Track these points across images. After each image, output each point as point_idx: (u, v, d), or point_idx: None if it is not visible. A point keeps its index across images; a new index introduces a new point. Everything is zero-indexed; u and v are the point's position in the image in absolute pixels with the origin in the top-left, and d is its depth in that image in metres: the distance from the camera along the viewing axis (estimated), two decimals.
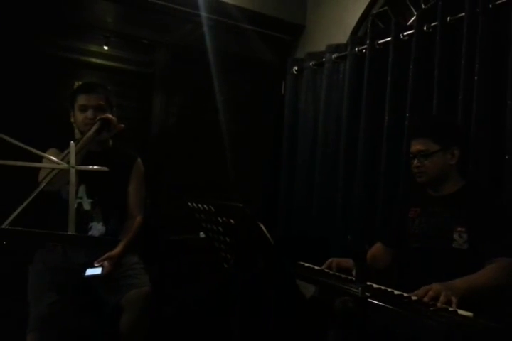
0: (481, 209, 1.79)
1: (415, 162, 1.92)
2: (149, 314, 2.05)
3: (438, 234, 1.85)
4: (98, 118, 2.02)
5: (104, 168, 1.55)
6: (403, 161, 2.48)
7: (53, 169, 1.53)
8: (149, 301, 2.05)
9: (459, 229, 1.78)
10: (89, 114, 2.11)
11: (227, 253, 1.61)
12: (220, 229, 1.59)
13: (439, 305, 1.43)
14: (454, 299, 1.44)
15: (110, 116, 2.06)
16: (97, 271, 2.01)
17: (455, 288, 1.53)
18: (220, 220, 1.56)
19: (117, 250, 2.11)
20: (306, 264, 1.94)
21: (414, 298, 1.50)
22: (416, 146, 1.92)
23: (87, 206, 2.17)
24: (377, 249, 2.12)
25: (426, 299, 1.47)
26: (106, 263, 2.05)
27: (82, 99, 2.14)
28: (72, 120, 2.21)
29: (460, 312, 1.37)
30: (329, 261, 1.96)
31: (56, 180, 1.70)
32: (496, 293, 1.67)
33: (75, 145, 1.56)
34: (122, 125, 2.12)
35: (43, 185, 1.45)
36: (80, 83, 2.71)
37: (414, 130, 2.08)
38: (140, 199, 2.31)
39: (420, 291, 1.51)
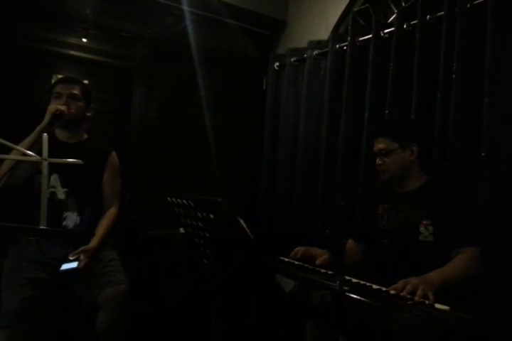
0: (446, 201, 1.86)
1: (377, 160, 2.02)
2: (126, 312, 2.04)
3: (405, 228, 1.93)
4: (54, 112, 2.04)
5: (79, 161, 1.54)
6: None
7: (19, 161, 1.51)
8: (126, 299, 2.04)
9: (425, 222, 1.86)
10: (63, 100, 2.16)
11: (206, 248, 1.61)
12: (200, 224, 1.59)
13: (416, 298, 1.45)
14: (430, 294, 1.46)
15: (61, 107, 2.08)
16: (73, 264, 1.98)
17: (431, 281, 1.57)
18: (200, 215, 1.56)
19: (93, 243, 2.10)
20: (286, 259, 1.95)
21: (392, 292, 1.52)
22: (377, 146, 2.02)
23: (61, 195, 2.16)
24: (348, 244, 2.19)
25: (404, 293, 1.49)
26: (82, 256, 2.03)
27: (57, 88, 2.22)
28: None
29: (437, 305, 1.39)
30: (296, 249, 2.01)
31: (19, 173, 1.70)
32: (467, 282, 1.73)
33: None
34: (74, 107, 2.17)
35: (4, 179, 1.43)
36: (59, 76, 2.72)
37: (374, 130, 2.19)
38: (115, 191, 2.32)
39: (398, 285, 1.53)
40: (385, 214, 2.04)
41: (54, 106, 2.09)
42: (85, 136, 2.34)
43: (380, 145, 2.01)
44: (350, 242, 2.20)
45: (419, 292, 1.48)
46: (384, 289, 1.55)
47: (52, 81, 2.87)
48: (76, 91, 2.21)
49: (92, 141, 2.36)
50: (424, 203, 1.91)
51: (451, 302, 1.39)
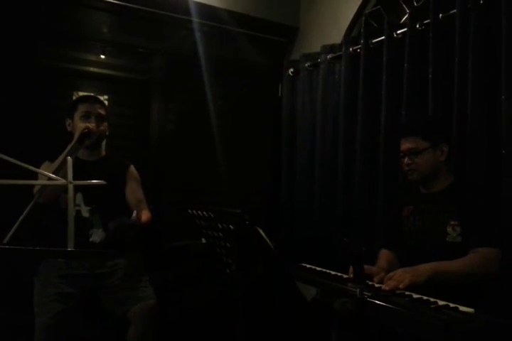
0: (471, 202, 1.82)
1: (406, 160, 1.95)
2: (155, 326, 2.07)
3: (431, 228, 1.89)
4: (83, 130, 2.08)
5: (102, 182, 1.55)
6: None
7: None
8: (155, 314, 2.08)
9: (452, 222, 1.82)
10: (92, 120, 2.18)
11: (228, 258, 1.63)
12: (221, 234, 1.61)
13: (401, 286, 1.52)
14: (408, 278, 1.53)
15: (90, 126, 2.12)
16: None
17: (419, 270, 1.61)
18: (220, 226, 1.58)
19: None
20: (308, 266, 1.95)
21: (377, 285, 1.59)
22: (406, 145, 1.95)
23: (85, 213, 2.19)
24: (386, 257, 2.06)
25: (386, 288, 1.53)
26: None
27: (85, 107, 2.22)
28: (69, 129, 2.25)
29: (461, 308, 1.38)
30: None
31: (47, 193, 1.74)
32: (476, 280, 1.71)
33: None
34: (102, 127, 2.21)
35: (36, 199, 1.47)
36: (79, 94, 2.78)
37: (404, 129, 2.11)
38: (140, 199, 2.31)
39: (385, 280, 1.60)
40: (410, 216, 1.99)
41: (83, 124, 2.12)
42: (103, 153, 2.36)
43: (408, 144, 1.94)
44: (386, 254, 2.07)
45: (406, 281, 1.53)
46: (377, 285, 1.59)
47: (74, 98, 2.97)
48: (102, 112, 2.24)
49: (110, 156, 2.38)
50: (451, 203, 1.86)
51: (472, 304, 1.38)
